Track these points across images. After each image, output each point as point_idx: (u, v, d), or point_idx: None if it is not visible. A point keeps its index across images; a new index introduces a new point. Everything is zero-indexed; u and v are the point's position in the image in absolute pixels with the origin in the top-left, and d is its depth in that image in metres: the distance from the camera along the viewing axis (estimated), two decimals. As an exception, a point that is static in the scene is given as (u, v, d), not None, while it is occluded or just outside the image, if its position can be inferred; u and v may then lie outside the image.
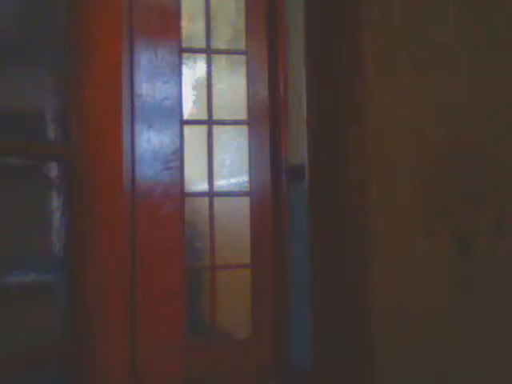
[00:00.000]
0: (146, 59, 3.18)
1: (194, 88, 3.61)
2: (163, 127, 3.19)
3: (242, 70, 3.49)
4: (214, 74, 3.45)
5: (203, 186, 3.44)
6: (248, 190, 3.44)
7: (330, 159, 1.04)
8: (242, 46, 3.50)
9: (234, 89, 3.60)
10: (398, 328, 0.97)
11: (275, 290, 3.38)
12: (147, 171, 3.14)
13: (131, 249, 3.05)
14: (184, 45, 3.32)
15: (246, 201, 3.43)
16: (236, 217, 3.53)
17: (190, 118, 3.48)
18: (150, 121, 3.17)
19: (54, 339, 2.05)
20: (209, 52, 3.44)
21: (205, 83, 3.44)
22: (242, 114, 3.47)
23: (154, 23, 3.20)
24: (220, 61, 3.60)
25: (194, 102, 3.60)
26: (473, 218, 1.01)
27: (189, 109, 3.55)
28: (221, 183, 3.54)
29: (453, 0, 1.03)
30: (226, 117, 3.51)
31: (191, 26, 3.52)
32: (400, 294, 0.97)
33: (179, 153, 3.21)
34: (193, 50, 3.51)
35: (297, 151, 3.25)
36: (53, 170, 2.14)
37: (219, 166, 3.50)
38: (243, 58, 3.49)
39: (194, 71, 3.62)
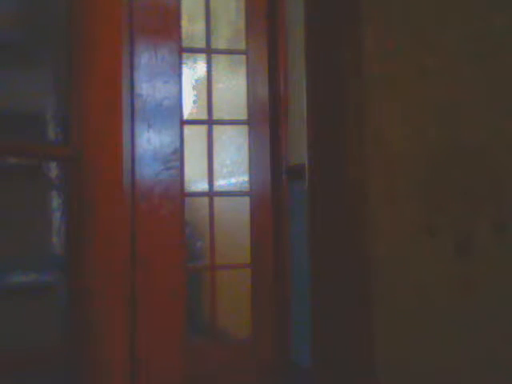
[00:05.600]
0: (146, 59, 3.18)
1: (194, 88, 3.61)
2: (163, 127, 3.19)
3: (242, 70, 3.50)
4: (213, 73, 3.45)
5: (203, 186, 3.44)
6: (248, 190, 3.44)
7: (329, 159, 1.04)
8: (242, 46, 3.50)
9: (234, 89, 3.60)
10: (399, 328, 0.97)
11: (275, 290, 3.38)
12: (147, 171, 3.15)
13: (131, 249, 3.05)
14: (184, 45, 3.32)
15: (246, 201, 3.43)
16: (236, 217, 3.53)
17: (189, 118, 3.48)
18: (150, 121, 3.17)
19: (54, 339, 2.05)
20: (209, 52, 3.44)
21: (205, 83, 3.44)
22: (242, 114, 3.47)
23: (153, 23, 3.20)
24: (220, 61, 3.60)
25: (194, 102, 3.61)
26: (473, 218, 1.01)
27: (189, 109, 3.55)
28: (221, 183, 3.55)
29: (455, 2, 1.03)
30: (226, 117, 3.51)
31: (191, 26, 3.52)
32: (400, 293, 0.97)
33: (179, 153, 3.21)
34: (193, 50, 3.51)
35: (297, 151, 3.25)
36: (53, 169, 2.14)
37: (219, 166, 3.51)
38: (243, 57, 3.49)
39: (193, 71, 3.62)
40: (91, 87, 1.99)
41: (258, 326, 3.38)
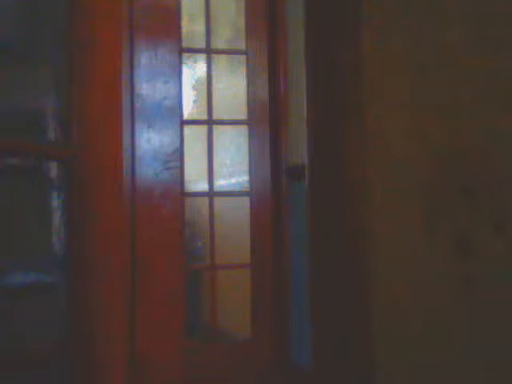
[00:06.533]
0: (146, 59, 3.18)
1: (194, 88, 3.61)
2: (163, 127, 3.19)
3: (242, 70, 3.49)
4: (213, 74, 3.45)
5: (203, 186, 3.44)
6: (248, 189, 3.44)
7: (329, 159, 1.04)
8: (242, 46, 3.50)
9: (234, 89, 3.60)
10: (398, 328, 0.97)
11: (275, 290, 3.38)
12: (147, 171, 3.15)
13: (131, 249, 3.05)
14: (184, 45, 3.32)
15: (246, 201, 3.43)
16: (236, 217, 3.53)
17: (189, 118, 3.48)
18: (150, 121, 3.17)
19: (54, 339, 2.05)
20: (209, 52, 3.44)
21: (205, 83, 3.44)
22: (242, 114, 3.47)
23: (154, 23, 3.20)
24: (220, 61, 3.60)
25: (194, 102, 3.60)
26: (473, 218, 1.02)
27: (189, 109, 3.55)
28: (221, 183, 3.54)
29: (455, 2, 1.04)
30: (226, 117, 3.51)
31: (191, 26, 3.52)
32: (400, 294, 0.97)
33: (179, 153, 3.21)
34: (193, 50, 3.51)
35: (297, 151, 3.25)
36: (53, 169, 2.14)
37: (219, 166, 3.50)
38: (243, 58, 3.49)
39: (194, 71, 3.62)
40: (91, 87, 1.99)
41: (258, 326, 3.38)
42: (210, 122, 3.41)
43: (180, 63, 3.27)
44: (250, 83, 3.46)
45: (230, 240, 3.48)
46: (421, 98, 1.01)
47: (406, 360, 0.97)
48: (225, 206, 3.47)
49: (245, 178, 3.49)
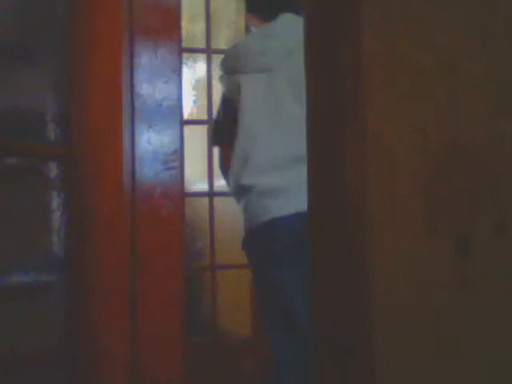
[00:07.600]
0: (146, 59, 3.18)
1: (194, 88, 3.61)
2: (163, 127, 3.19)
3: (242, 70, 3.49)
4: (214, 73, 3.45)
5: (203, 186, 3.44)
6: (248, 190, 3.43)
7: (329, 159, 1.04)
8: (242, 45, 3.49)
9: (234, 89, 3.59)
10: (398, 329, 0.97)
11: (275, 290, 3.38)
12: (147, 171, 3.14)
13: (131, 249, 3.05)
14: (184, 45, 3.32)
15: (246, 201, 3.42)
16: (236, 217, 3.53)
17: (189, 118, 3.48)
18: (150, 121, 3.16)
19: (54, 339, 2.05)
20: (209, 52, 3.44)
21: (205, 83, 3.44)
22: (242, 114, 3.46)
23: (154, 23, 3.20)
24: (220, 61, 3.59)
25: (194, 102, 3.60)
26: (473, 218, 1.02)
27: (189, 109, 3.55)
28: (221, 183, 3.54)
29: (455, 1, 1.04)
30: (226, 117, 3.50)
31: (191, 26, 3.52)
32: (400, 294, 0.97)
33: (179, 153, 3.21)
34: (193, 50, 3.51)
35: (297, 151, 3.24)
36: (53, 169, 2.14)
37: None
38: (243, 58, 3.48)
39: (193, 71, 3.62)
40: (91, 87, 1.99)
41: (258, 326, 3.38)
42: (210, 122, 3.41)
43: (180, 63, 3.26)
44: (250, 83, 3.45)
45: (230, 240, 3.48)
46: (421, 98, 1.01)
47: (406, 360, 0.97)
48: (225, 206, 3.47)
49: (245, 178, 3.47)
